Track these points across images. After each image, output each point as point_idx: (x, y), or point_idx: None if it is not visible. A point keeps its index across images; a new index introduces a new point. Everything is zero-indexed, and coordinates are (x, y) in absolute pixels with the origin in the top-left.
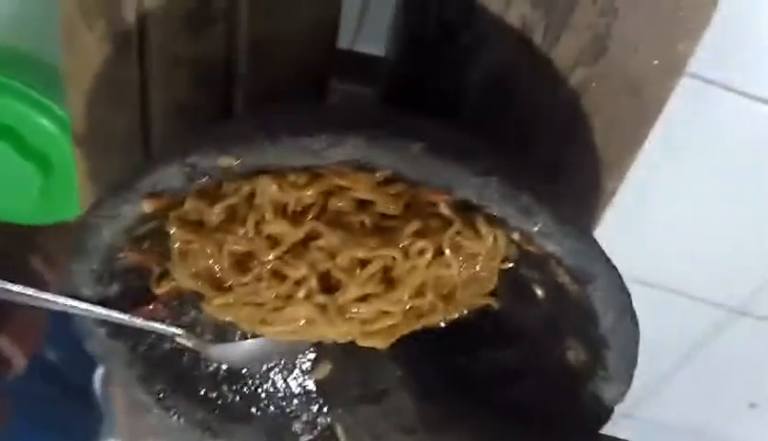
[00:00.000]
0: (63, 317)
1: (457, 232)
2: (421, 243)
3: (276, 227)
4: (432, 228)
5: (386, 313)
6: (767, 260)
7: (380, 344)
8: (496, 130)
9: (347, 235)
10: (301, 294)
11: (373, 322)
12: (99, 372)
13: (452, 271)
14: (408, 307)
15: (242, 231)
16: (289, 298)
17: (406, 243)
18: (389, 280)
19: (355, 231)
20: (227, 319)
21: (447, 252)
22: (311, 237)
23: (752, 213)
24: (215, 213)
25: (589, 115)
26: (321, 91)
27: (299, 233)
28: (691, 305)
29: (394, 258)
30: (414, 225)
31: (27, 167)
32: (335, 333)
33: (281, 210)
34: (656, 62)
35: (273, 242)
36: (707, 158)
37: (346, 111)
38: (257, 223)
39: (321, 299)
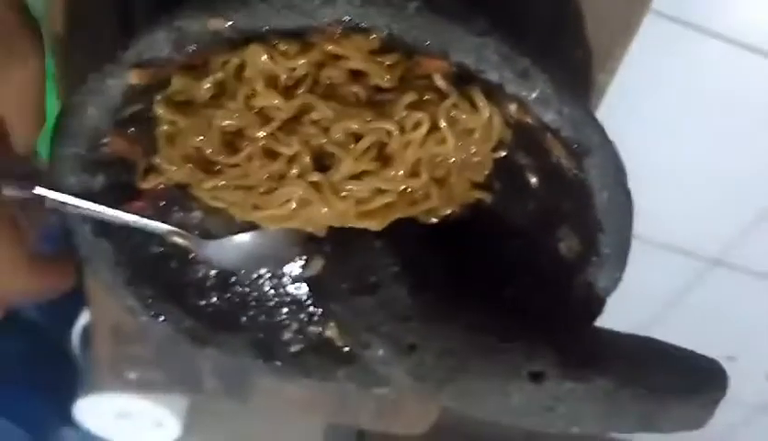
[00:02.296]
0: None
1: (454, 105)
2: (417, 116)
3: (268, 99)
4: (427, 102)
5: (381, 192)
6: (742, 208)
7: (376, 225)
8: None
9: (341, 107)
10: (294, 172)
11: (368, 201)
12: (78, 328)
13: (448, 147)
14: (403, 188)
15: (232, 106)
16: (282, 178)
17: (402, 115)
18: (384, 158)
19: (349, 104)
20: (217, 205)
21: (443, 125)
22: (303, 112)
23: (724, 160)
24: (203, 89)
25: (580, 3)
26: None
27: (292, 107)
28: (666, 256)
29: (389, 133)
30: (409, 97)
31: None
32: (330, 213)
33: (272, 84)
34: None
35: (264, 118)
36: (675, 99)
37: None
38: (247, 98)
39: (315, 176)
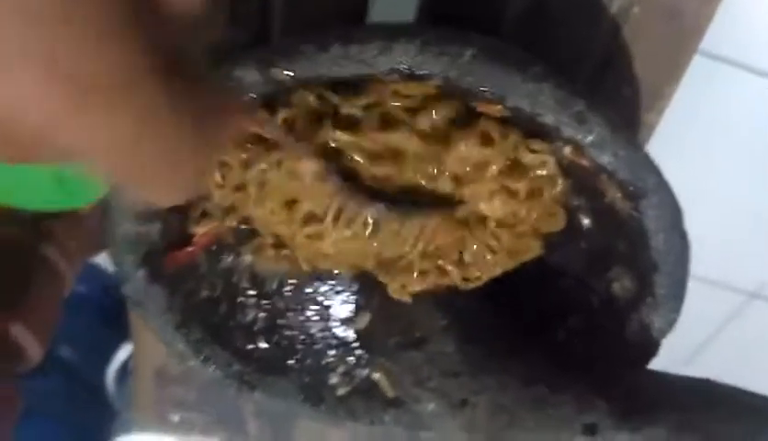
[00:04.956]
0: (78, 313)
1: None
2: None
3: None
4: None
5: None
6: None
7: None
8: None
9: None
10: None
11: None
12: (112, 368)
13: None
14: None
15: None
16: None
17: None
18: None
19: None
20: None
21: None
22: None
23: (762, 195)
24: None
25: (628, 43)
26: None
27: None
28: (706, 290)
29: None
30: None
31: None
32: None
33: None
34: None
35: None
36: (718, 138)
37: (390, 26)
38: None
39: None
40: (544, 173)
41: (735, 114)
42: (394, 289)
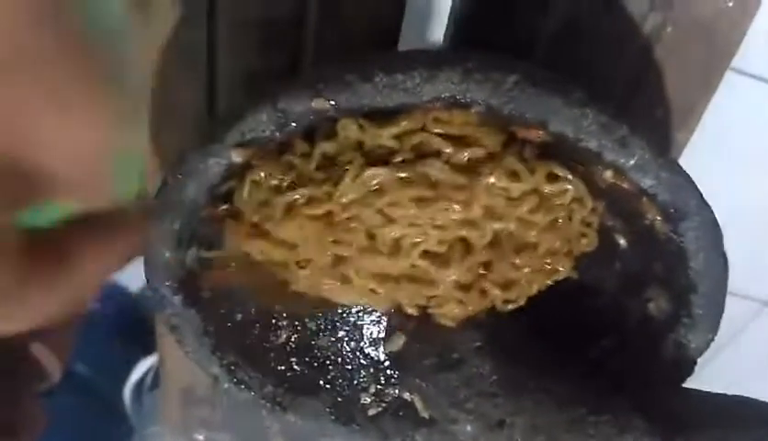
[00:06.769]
0: (94, 330)
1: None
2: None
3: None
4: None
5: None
6: None
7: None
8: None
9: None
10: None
11: None
12: (129, 384)
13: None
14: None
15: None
16: None
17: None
18: None
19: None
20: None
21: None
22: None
23: None
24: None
25: (661, 61)
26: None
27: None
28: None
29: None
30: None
31: None
32: None
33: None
34: (730, 3)
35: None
36: (748, 153)
37: (431, 53)
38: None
39: None
40: (565, 201)
41: (761, 129)
42: (443, 315)
